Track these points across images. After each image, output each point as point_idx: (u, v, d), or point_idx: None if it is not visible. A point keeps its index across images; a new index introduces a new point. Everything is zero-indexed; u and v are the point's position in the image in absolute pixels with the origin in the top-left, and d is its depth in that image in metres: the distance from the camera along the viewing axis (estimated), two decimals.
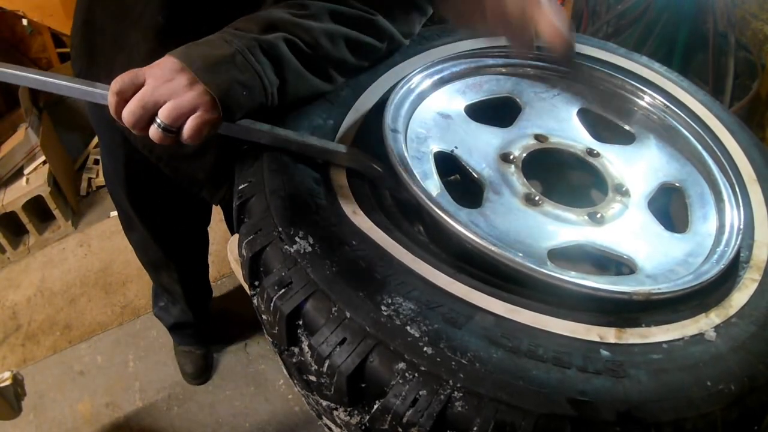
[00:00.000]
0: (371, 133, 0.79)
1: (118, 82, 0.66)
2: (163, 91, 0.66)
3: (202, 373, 1.78)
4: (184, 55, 0.69)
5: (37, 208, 2.31)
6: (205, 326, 1.78)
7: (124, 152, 1.12)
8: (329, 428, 0.65)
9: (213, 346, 1.85)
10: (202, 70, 0.68)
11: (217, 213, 1.54)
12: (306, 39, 0.77)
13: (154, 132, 0.67)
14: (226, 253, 1.56)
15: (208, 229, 1.54)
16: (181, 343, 1.80)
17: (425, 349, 0.54)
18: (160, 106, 0.66)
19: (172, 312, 1.69)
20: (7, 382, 1.24)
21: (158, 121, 0.66)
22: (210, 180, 1.02)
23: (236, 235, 0.78)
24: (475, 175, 0.78)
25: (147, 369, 1.84)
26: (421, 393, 0.52)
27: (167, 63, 0.69)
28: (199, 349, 1.78)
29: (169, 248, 1.42)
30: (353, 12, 0.83)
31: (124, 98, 0.67)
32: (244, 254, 0.68)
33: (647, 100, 0.93)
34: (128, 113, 0.66)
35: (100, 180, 2.54)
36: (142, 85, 0.67)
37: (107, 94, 0.67)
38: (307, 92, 0.81)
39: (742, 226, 0.74)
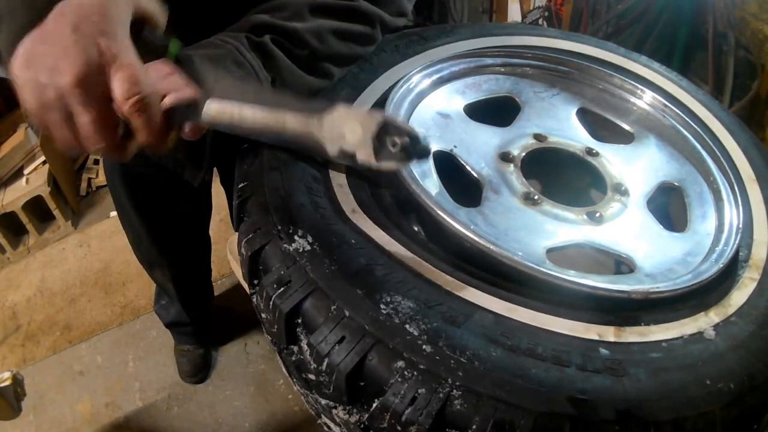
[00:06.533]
0: None
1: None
2: (165, 84, 0.66)
3: (198, 371, 1.77)
4: (182, 55, 0.69)
5: (37, 208, 2.31)
6: (203, 327, 1.77)
7: None
8: (328, 427, 0.65)
9: (213, 346, 1.84)
10: (198, 69, 0.68)
11: (216, 213, 1.55)
12: (292, 40, 0.77)
13: None
14: (226, 253, 1.56)
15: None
16: (180, 342, 1.80)
17: (424, 347, 0.54)
18: (161, 100, 0.66)
19: (171, 311, 1.69)
20: (7, 382, 1.24)
21: None
22: (190, 160, 1.01)
23: (236, 234, 0.78)
24: (474, 175, 0.78)
25: (147, 369, 1.84)
26: (420, 391, 0.52)
27: (166, 62, 0.68)
28: (197, 349, 1.78)
29: (163, 246, 1.42)
30: (332, 2, 0.81)
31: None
32: (244, 253, 0.68)
33: (646, 99, 0.93)
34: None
35: (100, 180, 2.54)
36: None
37: None
38: (302, 89, 0.80)
39: (741, 226, 0.74)
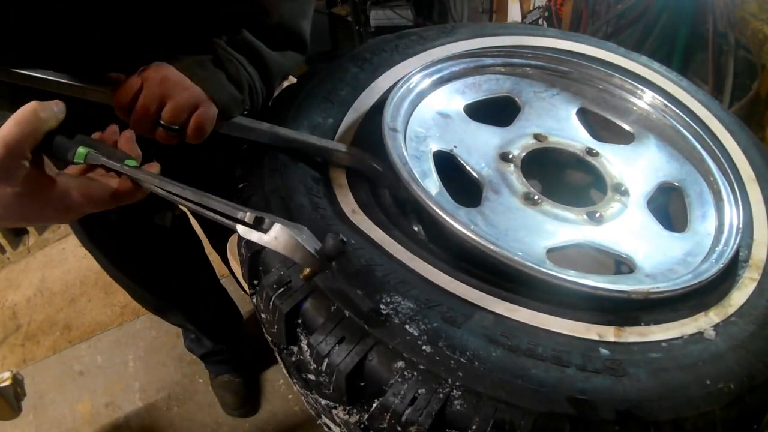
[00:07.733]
0: (371, 132, 0.79)
1: (117, 97, 0.68)
2: (163, 90, 0.67)
3: (244, 402, 1.64)
4: (172, 60, 0.71)
5: None
6: (239, 351, 1.67)
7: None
8: (328, 427, 0.64)
9: (252, 373, 1.71)
10: (193, 68, 0.70)
11: None
12: (254, 26, 0.78)
13: (159, 133, 0.69)
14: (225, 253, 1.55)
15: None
16: (217, 373, 1.68)
17: (424, 347, 0.54)
18: (162, 108, 0.68)
19: (204, 343, 1.61)
20: (7, 382, 1.24)
21: (161, 122, 0.68)
22: (158, 200, 1.00)
23: (236, 235, 0.78)
24: (475, 175, 0.78)
25: (147, 369, 1.84)
26: (420, 392, 0.52)
27: (160, 66, 0.70)
28: (235, 377, 1.66)
29: (163, 292, 1.35)
30: None
31: (127, 110, 0.68)
32: (244, 253, 0.68)
33: (647, 99, 0.93)
34: (133, 122, 0.68)
35: None
36: (140, 91, 0.68)
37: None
38: (291, 65, 0.83)
39: (741, 226, 0.74)
